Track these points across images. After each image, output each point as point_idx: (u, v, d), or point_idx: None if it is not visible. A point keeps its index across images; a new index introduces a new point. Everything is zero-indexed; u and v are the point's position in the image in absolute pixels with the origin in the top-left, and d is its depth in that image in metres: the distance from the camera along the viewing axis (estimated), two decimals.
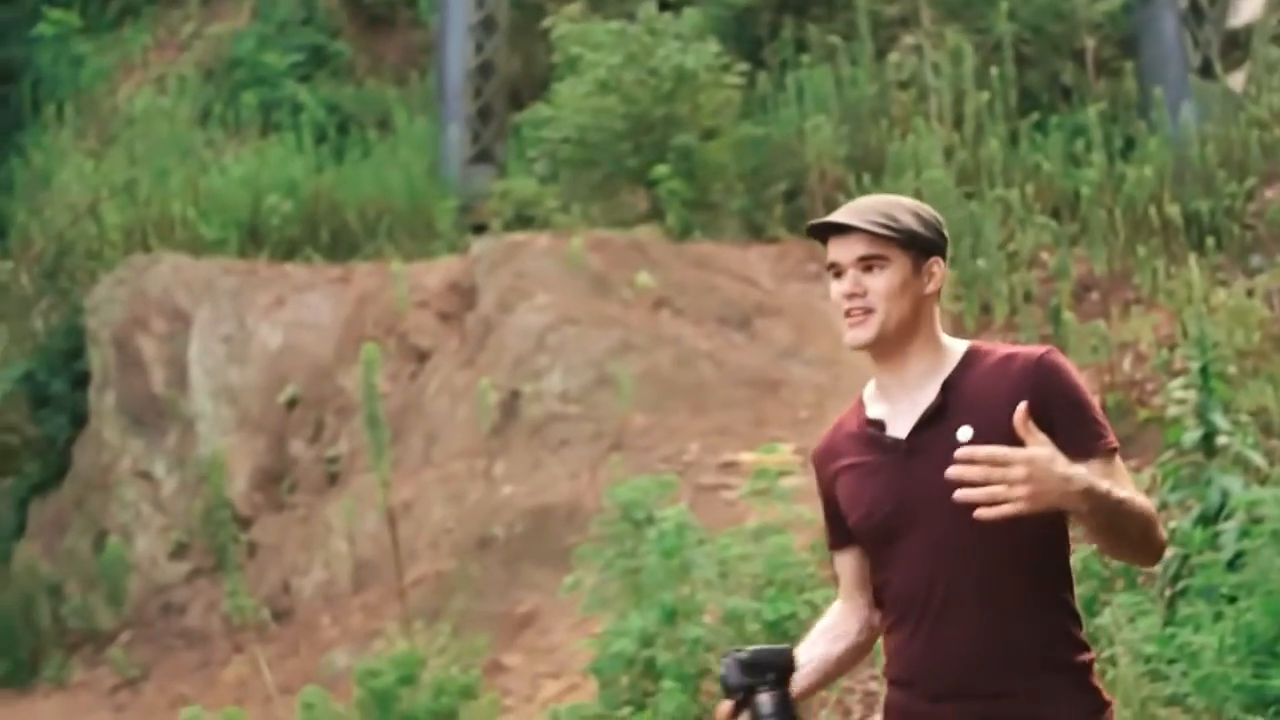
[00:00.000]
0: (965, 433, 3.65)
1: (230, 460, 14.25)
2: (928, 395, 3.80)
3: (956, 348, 3.87)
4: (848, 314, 3.81)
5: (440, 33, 17.74)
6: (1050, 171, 14.52)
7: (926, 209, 3.88)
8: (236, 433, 14.58)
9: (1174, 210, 13.48)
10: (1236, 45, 15.87)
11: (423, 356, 14.30)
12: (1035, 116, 15.26)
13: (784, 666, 3.85)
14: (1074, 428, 3.67)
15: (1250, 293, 12.09)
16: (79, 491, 15.17)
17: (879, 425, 3.84)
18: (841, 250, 3.82)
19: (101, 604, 14.41)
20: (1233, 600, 7.57)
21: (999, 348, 3.86)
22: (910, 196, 4.54)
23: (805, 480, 4.10)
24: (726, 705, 3.84)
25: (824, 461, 3.95)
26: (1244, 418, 9.18)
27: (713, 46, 15.70)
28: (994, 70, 15.13)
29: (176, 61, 19.26)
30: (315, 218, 16.29)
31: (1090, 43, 16.01)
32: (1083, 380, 3.84)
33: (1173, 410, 8.87)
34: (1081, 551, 7.76)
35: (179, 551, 14.45)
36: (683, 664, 8.40)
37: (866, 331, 3.80)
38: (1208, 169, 13.89)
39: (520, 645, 11.39)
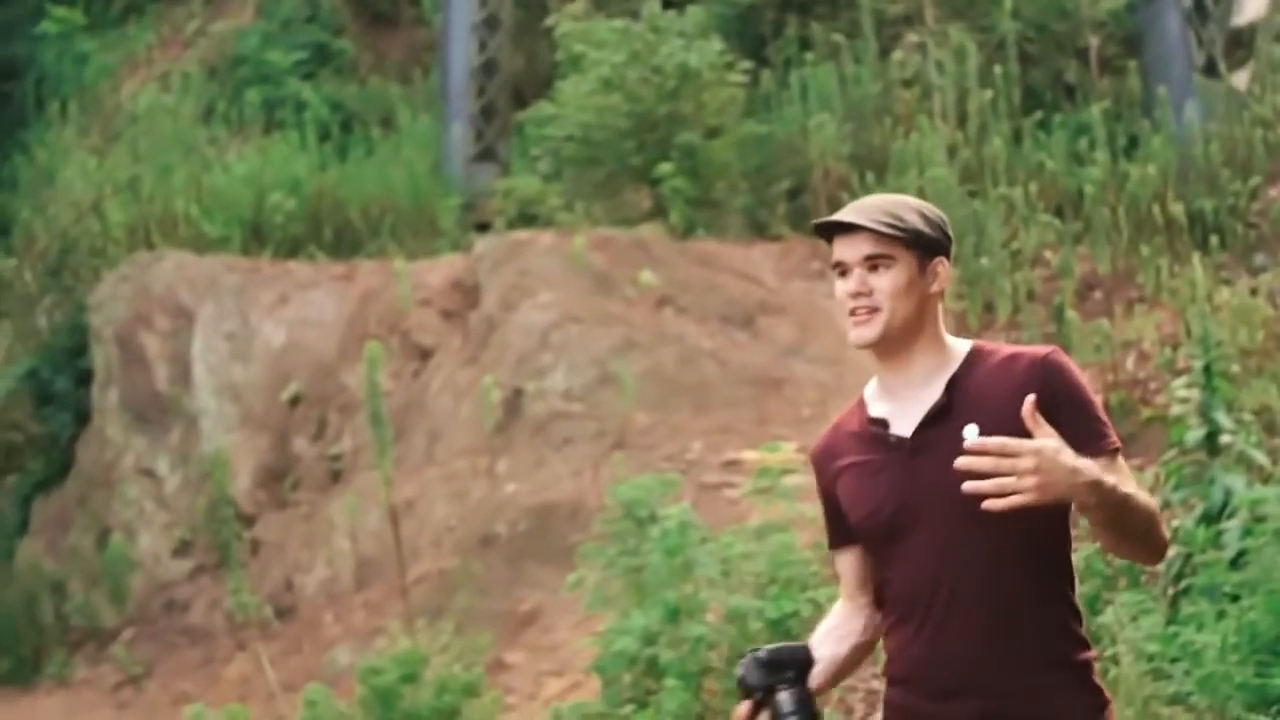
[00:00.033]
0: (971, 431, 3.65)
1: (233, 458, 14.26)
2: (932, 394, 3.80)
3: (960, 347, 3.88)
4: (853, 313, 3.82)
5: (444, 31, 17.75)
6: (1054, 170, 14.51)
7: (931, 209, 3.89)
8: (239, 430, 14.59)
9: (1178, 209, 13.48)
10: (1240, 44, 15.87)
11: (426, 354, 14.31)
12: (1039, 115, 15.25)
13: (803, 663, 3.86)
14: (1078, 427, 3.68)
15: (1254, 291, 12.08)
16: (82, 489, 15.18)
17: (882, 424, 3.84)
18: (847, 249, 3.82)
19: (104, 601, 14.42)
20: (1235, 599, 7.56)
21: (1002, 347, 3.87)
22: (913, 195, 4.55)
23: (808, 478, 4.09)
24: (745, 706, 3.83)
25: (824, 460, 3.95)
26: (1247, 417, 9.18)
27: (716, 44, 15.70)
28: (997, 68, 15.12)
29: (180, 59, 19.27)
30: (319, 215, 16.30)
31: (1094, 41, 16.00)
32: (1086, 380, 3.85)
33: (1176, 409, 8.87)
34: (1084, 550, 7.76)
35: (182, 549, 14.46)
36: (685, 662, 8.40)
37: (872, 330, 3.81)
38: (1211, 168, 13.88)
39: (523, 643, 11.39)
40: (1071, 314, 12.22)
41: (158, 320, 15.11)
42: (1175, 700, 7.39)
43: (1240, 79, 15.22)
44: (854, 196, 13.09)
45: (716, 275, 14.27)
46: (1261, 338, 11.34)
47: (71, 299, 16.15)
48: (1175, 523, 8.19)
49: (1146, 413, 11.07)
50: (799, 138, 15.50)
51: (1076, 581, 3.88)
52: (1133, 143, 14.69)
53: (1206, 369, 8.56)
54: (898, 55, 15.86)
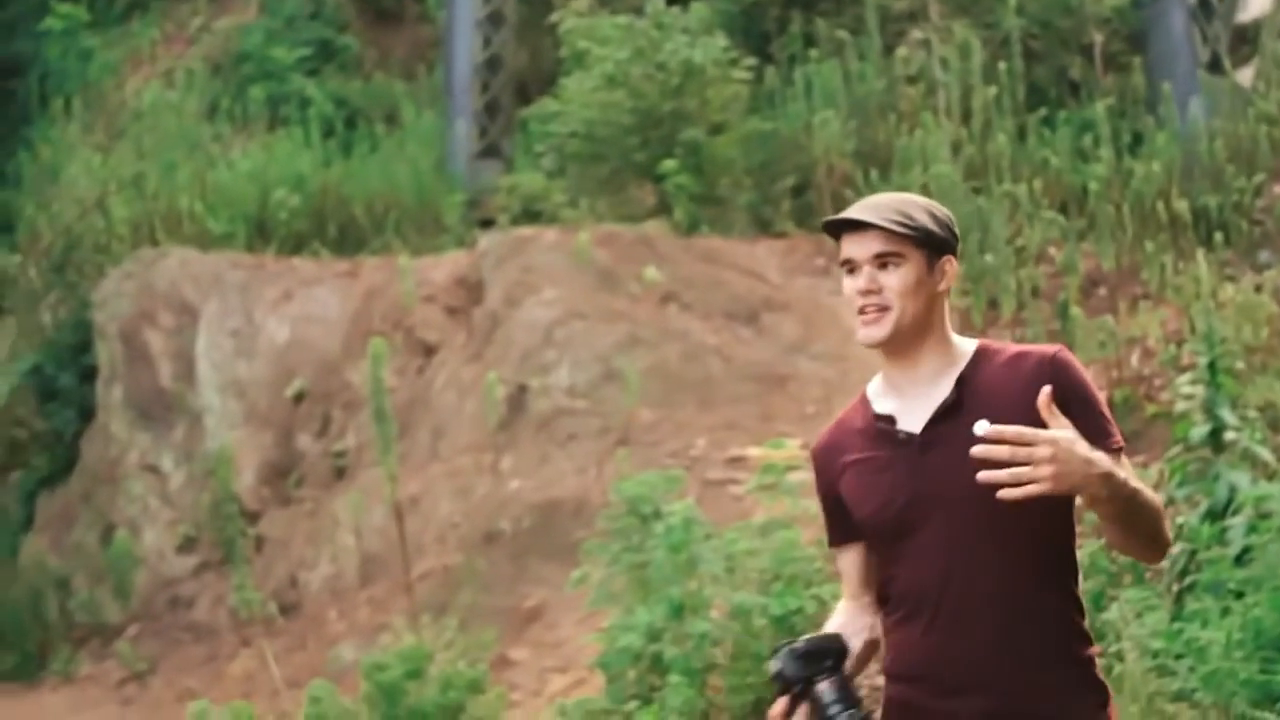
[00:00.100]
0: (981, 426, 3.65)
1: (238, 454, 14.26)
2: (940, 391, 3.81)
3: (966, 345, 3.89)
4: (862, 311, 3.82)
5: (448, 27, 17.75)
6: (1058, 167, 14.51)
7: (939, 207, 3.90)
8: (244, 427, 14.59)
9: (1182, 206, 13.47)
10: (1245, 40, 15.86)
11: (430, 351, 14.31)
12: (1043, 111, 15.25)
13: (839, 652, 3.84)
14: (1084, 425, 3.68)
15: (1258, 288, 12.08)
16: (86, 485, 15.19)
17: (889, 420, 3.84)
18: (857, 247, 3.83)
19: (109, 598, 14.43)
20: (1240, 595, 7.57)
21: (1008, 346, 3.89)
22: (917, 191, 4.56)
23: (812, 475, 4.08)
24: (783, 701, 3.80)
25: (828, 457, 3.95)
26: (1252, 413, 9.18)
27: (720, 41, 15.70)
28: (1002, 65, 15.12)
29: (184, 56, 19.27)
30: (323, 212, 16.31)
31: (1098, 38, 15.99)
32: (1091, 378, 3.86)
33: (1180, 405, 8.87)
34: (1089, 546, 7.77)
35: (186, 545, 14.47)
36: (689, 659, 8.40)
37: (881, 329, 3.81)
38: (1216, 164, 13.88)
39: (527, 640, 11.39)
40: (1076, 310, 12.22)
41: (162, 317, 15.11)
42: (1180, 697, 7.39)
43: (1245, 75, 15.21)
44: (858, 193, 13.13)
45: (721, 272, 14.27)
46: (1266, 334, 11.34)
47: (76, 295, 16.16)
48: (1180, 519, 8.19)
49: (1151, 409, 11.07)
50: (803, 134, 15.50)
51: (1080, 576, 3.89)
52: (1137, 139, 14.68)
53: (1211, 366, 8.56)
54: (902, 52, 15.86)
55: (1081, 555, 4.00)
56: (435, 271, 14.75)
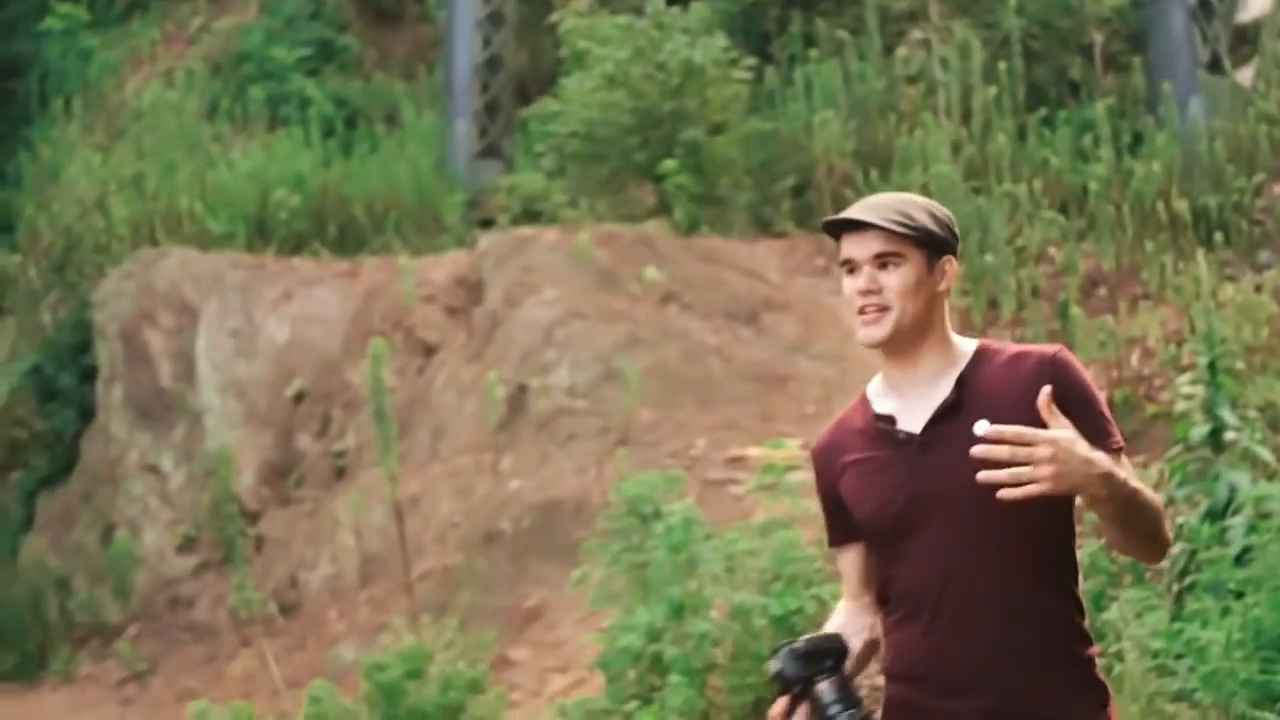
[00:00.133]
0: (982, 426, 3.65)
1: (238, 454, 14.26)
2: (940, 391, 3.81)
3: (966, 345, 3.90)
4: (862, 311, 3.82)
5: (448, 27, 17.75)
6: (1058, 166, 14.51)
7: (940, 208, 3.90)
8: (244, 427, 14.59)
9: (1182, 206, 13.47)
10: (1245, 40, 15.86)
11: (430, 351, 14.31)
12: (1043, 111, 15.25)
13: (839, 652, 3.84)
14: (1084, 426, 3.68)
15: (1258, 288, 12.08)
16: (86, 485, 15.19)
17: (889, 420, 3.84)
18: (857, 247, 3.83)
19: (109, 598, 14.43)
20: (1240, 595, 7.57)
21: (1008, 346, 3.90)
22: (917, 191, 4.57)
23: (811, 475, 4.08)
24: (782, 701, 3.80)
25: (828, 457, 3.96)
26: (1252, 413, 9.18)
27: (720, 41, 15.70)
28: (1002, 65, 15.12)
29: (184, 56, 19.27)
30: (323, 212, 16.31)
31: (1098, 38, 15.99)
32: (1091, 379, 3.86)
33: (1180, 405, 8.87)
34: (1089, 546, 7.76)
35: (186, 545, 14.47)
36: (689, 659, 8.40)
37: (882, 329, 3.81)
38: (1216, 164, 13.88)
39: (527, 640, 11.39)
40: (1076, 310, 12.22)
41: (162, 317, 15.11)
42: (1180, 697, 7.39)
43: (1245, 75, 15.21)
44: (858, 193, 13.13)
45: (721, 272, 14.27)
46: (1266, 334, 11.34)
47: (76, 295, 16.16)
48: (1180, 519, 8.19)
49: (1151, 409, 11.07)
50: (803, 134, 15.50)
51: (1080, 576, 3.89)
52: (1137, 139, 14.68)
53: (1211, 366, 8.56)
54: (902, 52, 15.85)
55: (1081, 555, 4.00)
56: (435, 271, 14.75)
